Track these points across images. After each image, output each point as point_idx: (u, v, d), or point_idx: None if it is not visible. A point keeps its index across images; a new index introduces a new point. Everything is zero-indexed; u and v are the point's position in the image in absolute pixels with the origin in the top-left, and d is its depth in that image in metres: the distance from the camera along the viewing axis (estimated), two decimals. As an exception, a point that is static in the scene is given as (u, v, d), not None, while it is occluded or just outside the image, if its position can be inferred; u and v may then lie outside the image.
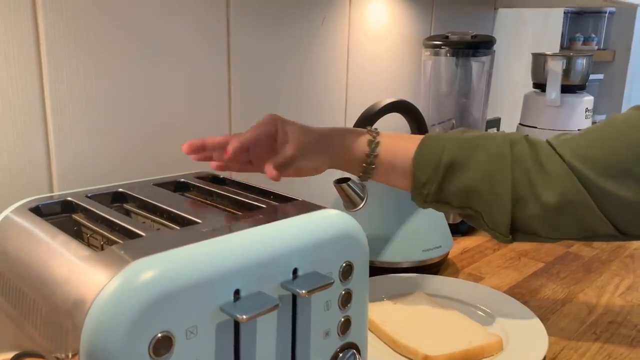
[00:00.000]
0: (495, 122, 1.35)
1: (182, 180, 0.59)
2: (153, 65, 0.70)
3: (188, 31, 0.73)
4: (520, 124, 1.16)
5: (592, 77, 2.04)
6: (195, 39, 0.74)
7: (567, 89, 1.08)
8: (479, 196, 0.60)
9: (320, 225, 0.46)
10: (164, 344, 0.36)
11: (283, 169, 0.58)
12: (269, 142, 0.61)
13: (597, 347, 0.65)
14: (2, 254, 0.45)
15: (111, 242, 0.45)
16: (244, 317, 0.37)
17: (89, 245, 0.46)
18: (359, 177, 0.66)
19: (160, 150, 0.73)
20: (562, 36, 1.99)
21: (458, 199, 0.61)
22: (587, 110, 1.08)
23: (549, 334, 0.66)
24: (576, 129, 1.07)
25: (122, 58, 0.67)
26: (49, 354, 0.38)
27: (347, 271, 0.47)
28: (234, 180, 0.60)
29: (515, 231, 0.61)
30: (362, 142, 0.64)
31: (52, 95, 0.62)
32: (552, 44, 1.52)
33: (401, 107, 0.86)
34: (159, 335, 0.35)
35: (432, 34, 1.07)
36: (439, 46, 0.97)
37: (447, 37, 0.98)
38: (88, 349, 0.35)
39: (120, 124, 0.69)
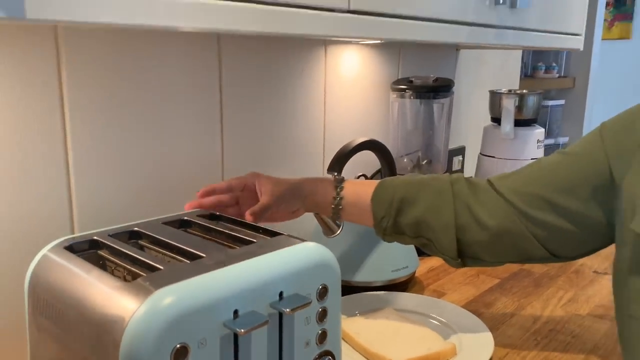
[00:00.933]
0: (460, 150, 1.48)
1: (186, 218, 0.70)
2: (158, 120, 0.82)
3: (187, 91, 0.85)
4: (480, 153, 1.29)
5: (554, 102, 2.20)
6: (193, 97, 0.86)
7: (520, 122, 1.21)
8: (427, 226, 0.72)
9: (300, 256, 0.58)
10: (181, 352, 0.47)
11: (259, 215, 0.70)
12: (253, 194, 0.74)
13: (536, 351, 0.77)
14: (46, 284, 0.55)
15: (133, 274, 0.56)
16: (242, 330, 0.49)
17: (113, 276, 0.57)
18: (329, 217, 0.78)
19: (164, 191, 0.84)
20: (525, 65, 2.15)
21: (411, 229, 0.73)
22: (538, 141, 1.22)
23: (497, 341, 0.78)
24: (529, 158, 1.21)
25: (134, 117, 0.79)
26: (93, 362, 0.49)
27: (322, 292, 0.59)
28: (229, 217, 0.72)
29: (464, 257, 0.73)
30: (329, 188, 0.76)
31: (74, 149, 0.73)
32: (512, 79, 1.66)
33: (371, 145, 0.98)
34: (178, 345, 0.47)
35: (399, 77, 1.20)
36: (404, 90, 1.11)
37: (411, 81, 1.11)
38: (125, 357, 0.46)
39: (130, 173, 0.80)
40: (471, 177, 0.76)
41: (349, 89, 1.13)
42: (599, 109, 2.25)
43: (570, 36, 1.13)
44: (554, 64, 2.14)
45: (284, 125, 1.02)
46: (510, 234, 0.71)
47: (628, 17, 3.42)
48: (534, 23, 0.99)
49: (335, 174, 0.79)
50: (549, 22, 1.04)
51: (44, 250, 0.60)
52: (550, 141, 2.14)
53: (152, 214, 0.76)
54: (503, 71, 1.61)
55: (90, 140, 0.75)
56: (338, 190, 0.75)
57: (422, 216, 0.72)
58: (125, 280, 0.54)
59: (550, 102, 2.13)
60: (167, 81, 0.82)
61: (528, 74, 2.14)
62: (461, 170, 1.51)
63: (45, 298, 0.55)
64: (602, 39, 3.36)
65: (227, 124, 0.92)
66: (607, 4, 3.43)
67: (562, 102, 2.20)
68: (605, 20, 3.47)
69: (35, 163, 0.70)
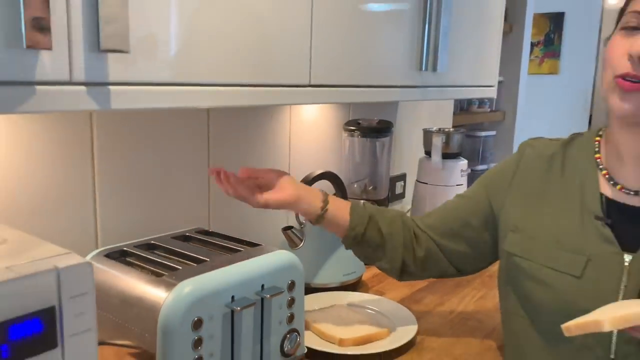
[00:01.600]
0: (402, 177, 1.76)
1: (187, 234, 0.93)
2: (161, 172, 1.04)
3: (182, 137, 1.08)
4: (417, 180, 1.56)
5: (486, 133, 2.52)
6: (185, 141, 1.09)
7: (447, 155, 1.49)
8: (389, 238, 0.94)
9: (276, 260, 0.82)
10: (198, 323, 0.70)
11: (273, 204, 0.88)
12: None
13: (450, 333, 1.03)
14: (97, 283, 0.77)
15: (156, 274, 0.78)
16: (238, 308, 0.72)
17: (145, 274, 0.79)
18: (312, 221, 0.95)
19: (165, 217, 1.07)
20: (461, 101, 2.46)
21: (376, 238, 0.93)
22: (462, 170, 1.49)
23: (421, 327, 1.03)
24: (455, 185, 1.48)
25: (146, 169, 1.01)
26: (139, 334, 0.72)
27: (291, 286, 0.83)
28: (219, 233, 0.95)
29: (402, 273, 0.97)
30: (318, 200, 0.93)
31: (99, 186, 0.95)
32: (446, 116, 1.96)
33: (327, 176, 1.23)
34: (195, 318, 0.70)
35: (350, 119, 1.46)
36: (353, 130, 1.37)
37: (359, 123, 1.38)
38: (162, 328, 0.68)
39: (140, 203, 1.02)
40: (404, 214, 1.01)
41: (309, 130, 1.38)
42: (531, 135, 2.59)
43: (485, 88, 1.42)
44: (486, 100, 2.47)
45: (259, 160, 1.26)
46: (433, 258, 0.96)
47: (556, 54, 3.84)
48: (453, 81, 1.27)
49: (321, 190, 0.98)
50: (466, 79, 1.32)
51: (87, 258, 0.81)
52: (484, 167, 2.45)
53: (158, 232, 0.98)
54: (438, 110, 1.91)
55: (114, 197, 0.97)
56: (324, 203, 0.94)
57: (386, 232, 0.94)
58: (155, 276, 0.76)
59: (483, 133, 2.45)
60: (171, 144, 1.05)
61: (464, 108, 2.45)
62: (403, 193, 1.78)
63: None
64: (533, 74, 3.77)
65: (213, 156, 1.15)
66: (538, 43, 3.85)
67: (493, 133, 2.53)
68: (536, 57, 3.89)
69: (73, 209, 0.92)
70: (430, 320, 1.08)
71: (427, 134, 1.52)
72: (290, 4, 0.81)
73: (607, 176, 0.81)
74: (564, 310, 0.76)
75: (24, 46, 0.51)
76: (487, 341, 1.01)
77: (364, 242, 0.95)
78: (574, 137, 0.90)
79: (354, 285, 1.21)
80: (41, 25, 0.52)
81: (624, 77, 0.73)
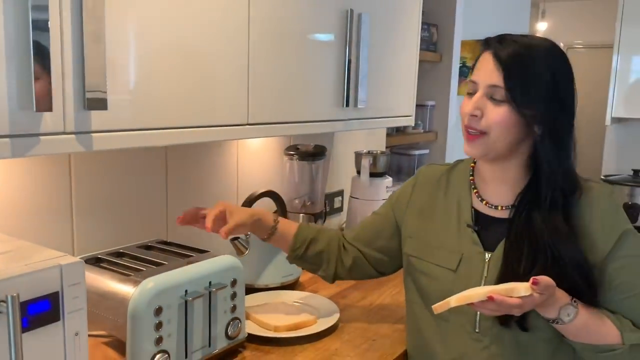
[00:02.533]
0: (339, 193, 2.01)
1: (149, 244, 1.15)
2: (123, 192, 1.26)
3: (145, 166, 1.29)
4: (350, 195, 1.81)
5: (420, 151, 2.80)
6: (148, 169, 1.30)
7: (374, 174, 1.75)
8: (324, 255, 1.18)
9: (221, 262, 1.04)
10: (159, 311, 0.92)
11: (229, 233, 1.07)
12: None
13: (366, 320, 1.27)
14: (75, 282, 0.98)
15: (125, 274, 0.99)
16: (190, 299, 0.95)
17: (116, 275, 1.00)
18: (263, 239, 1.18)
19: (132, 226, 1.28)
20: (397, 123, 2.73)
21: (314, 257, 1.18)
22: (387, 187, 1.75)
23: (343, 316, 1.27)
24: (381, 199, 1.74)
25: (113, 194, 1.22)
26: (113, 319, 0.93)
27: (233, 282, 1.05)
28: (175, 243, 1.17)
29: (334, 279, 1.21)
30: (269, 221, 1.16)
31: (75, 206, 1.16)
32: (380, 139, 2.23)
33: (269, 194, 1.47)
34: (157, 306, 0.91)
35: (291, 144, 1.70)
36: (292, 154, 1.61)
37: (298, 148, 1.62)
38: (131, 314, 0.90)
39: (110, 220, 1.23)
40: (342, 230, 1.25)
41: (255, 156, 1.61)
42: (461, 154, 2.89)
43: (402, 117, 1.68)
44: (419, 122, 2.77)
45: (210, 184, 1.48)
46: (358, 263, 1.20)
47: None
48: (373, 113, 1.53)
49: (276, 210, 1.21)
50: (384, 111, 1.58)
51: (69, 264, 1.02)
52: (419, 181, 2.73)
53: (125, 243, 1.19)
54: (373, 134, 2.17)
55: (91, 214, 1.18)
56: (275, 222, 1.16)
57: (321, 250, 1.18)
58: (124, 276, 0.97)
59: (417, 152, 2.74)
60: (136, 171, 1.27)
61: (400, 129, 2.73)
62: (341, 207, 2.03)
63: (75, 289, 0.98)
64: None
65: (171, 189, 1.37)
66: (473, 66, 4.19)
67: (427, 151, 2.82)
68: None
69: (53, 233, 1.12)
70: (352, 311, 1.32)
71: (358, 156, 1.78)
72: (229, 53, 1.05)
73: (477, 194, 1.08)
74: (445, 297, 1.01)
75: (34, 110, 0.73)
76: (395, 325, 1.26)
77: (303, 260, 1.19)
78: (457, 163, 1.17)
79: (292, 285, 1.45)
80: (46, 96, 0.74)
81: (467, 128, 0.99)
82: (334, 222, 2.01)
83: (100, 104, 0.81)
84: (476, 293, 0.86)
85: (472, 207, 1.07)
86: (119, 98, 0.85)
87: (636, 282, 0.94)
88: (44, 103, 0.74)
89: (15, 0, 0.71)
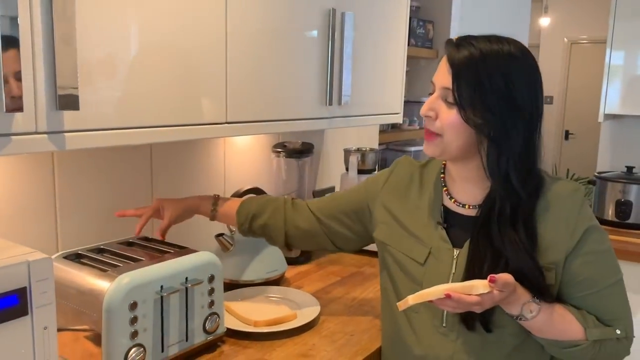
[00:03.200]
0: (330, 189, 2.02)
1: (131, 240, 1.17)
2: (109, 188, 1.28)
3: (130, 163, 1.31)
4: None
5: (417, 148, 2.81)
6: (133, 167, 1.32)
7: (363, 171, 1.76)
8: (269, 228, 1.21)
9: (198, 259, 1.06)
10: (133, 305, 0.94)
11: (164, 233, 1.18)
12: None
13: (348, 315, 1.29)
14: (58, 279, 1.00)
15: (103, 270, 1.01)
16: (165, 294, 0.97)
17: (95, 270, 1.02)
18: (212, 219, 1.25)
19: (117, 223, 1.30)
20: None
21: (259, 230, 1.22)
22: (375, 184, 1.77)
23: (325, 311, 1.29)
24: (369, 196, 1.75)
25: (98, 191, 1.24)
26: (89, 314, 0.95)
27: (211, 278, 1.07)
28: (156, 239, 1.19)
29: (289, 244, 1.24)
30: (208, 204, 1.23)
31: (59, 204, 1.18)
32: (372, 136, 2.24)
33: (254, 191, 1.48)
34: (132, 301, 0.93)
35: (279, 142, 1.72)
36: (279, 152, 1.63)
37: (285, 145, 1.64)
38: (106, 308, 0.92)
39: (94, 217, 1.25)
40: (297, 199, 1.28)
41: (243, 153, 1.63)
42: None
43: (389, 115, 1.69)
44: (415, 119, 2.77)
45: (197, 181, 1.50)
46: (313, 234, 1.22)
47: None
48: (358, 111, 1.54)
49: (217, 194, 1.27)
50: (370, 109, 1.59)
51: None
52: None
53: (108, 239, 1.22)
54: (365, 130, 2.18)
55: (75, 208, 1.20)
56: (214, 206, 1.24)
57: (265, 223, 1.22)
58: (102, 271, 1.00)
59: (412, 148, 2.74)
60: (120, 169, 1.29)
61: (395, 126, 2.74)
62: (332, 204, 2.05)
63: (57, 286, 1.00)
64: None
65: (156, 187, 1.39)
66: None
67: (421, 148, 2.82)
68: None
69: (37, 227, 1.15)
70: (333, 307, 1.34)
71: (346, 153, 1.79)
72: (206, 51, 1.06)
73: (446, 192, 1.09)
74: (414, 289, 1.02)
75: (4, 110, 0.75)
76: (375, 320, 1.28)
77: (251, 232, 1.26)
78: (430, 159, 1.18)
79: (277, 281, 1.46)
80: (16, 97, 0.76)
81: (424, 129, 1.01)
82: (325, 218, 2.02)
83: (72, 104, 0.83)
84: (434, 291, 0.88)
85: (442, 204, 1.08)
86: (91, 97, 0.87)
87: (599, 278, 0.95)
88: (14, 104, 0.76)
89: (-16, 4, 0.73)
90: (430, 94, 1.00)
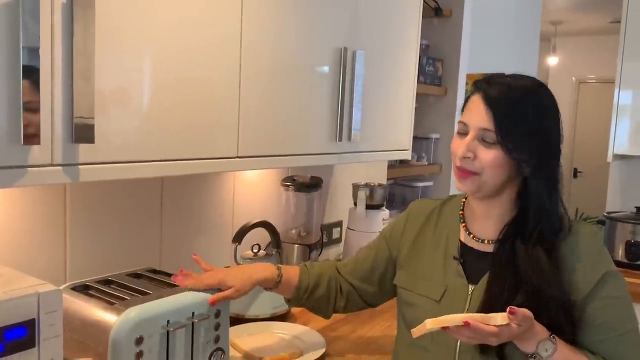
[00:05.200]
0: (338, 224, 2.02)
1: (139, 272, 1.17)
2: (119, 223, 1.29)
3: (140, 196, 1.32)
4: (347, 227, 1.82)
5: (425, 183, 2.82)
6: (142, 200, 1.33)
7: (371, 207, 1.76)
8: (324, 298, 1.19)
9: (206, 293, 1.06)
10: (139, 340, 0.93)
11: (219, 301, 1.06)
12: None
13: (354, 353, 1.27)
14: (64, 310, 1.00)
15: (110, 302, 1.01)
16: (172, 329, 0.96)
17: (102, 302, 1.02)
18: (269, 290, 1.17)
19: (125, 254, 1.30)
20: (401, 155, 2.75)
21: (316, 301, 1.18)
22: (383, 219, 1.76)
23: (331, 349, 1.27)
24: (376, 231, 1.74)
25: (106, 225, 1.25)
26: (95, 347, 0.94)
27: (217, 313, 1.06)
28: (164, 272, 1.19)
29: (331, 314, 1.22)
30: (274, 277, 1.15)
31: (69, 235, 1.19)
32: (381, 171, 2.25)
33: (263, 224, 1.49)
34: (138, 336, 0.93)
35: (288, 175, 1.72)
36: (288, 185, 1.63)
37: (294, 179, 1.65)
38: (112, 342, 0.91)
39: (103, 249, 1.26)
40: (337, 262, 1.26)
41: (252, 186, 1.64)
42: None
43: (399, 151, 1.70)
44: (423, 154, 2.78)
45: (206, 212, 1.51)
46: (351, 300, 1.21)
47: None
48: (368, 147, 1.55)
49: (278, 265, 1.18)
50: (379, 145, 1.60)
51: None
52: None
53: (116, 270, 1.22)
54: (374, 165, 2.19)
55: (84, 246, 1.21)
56: (278, 280, 1.14)
57: (323, 294, 1.18)
58: (109, 304, 0.99)
59: (420, 184, 2.74)
60: (130, 201, 1.30)
61: (405, 161, 2.75)
62: (340, 238, 2.04)
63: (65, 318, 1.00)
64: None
65: (165, 218, 1.40)
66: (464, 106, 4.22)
67: (431, 183, 2.83)
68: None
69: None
70: (340, 344, 1.32)
71: (355, 188, 1.80)
72: (219, 87, 1.08)
73: (465, 227, 1.09)
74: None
75: (22, 143, 0.76)
76: (382, 359, 1.26)
77: (304, 304, 1.20)
78: (451, 197, 1.18)
79: (283, 316, 1.45)
80: (33, 129, 0.77)
81: (458, 167, 1.01)
82: (332, 252, 2.02)
83: (88, 137, 0.84)
84: (453, 318, 0.87)
85: (459, 239, 1.08)
86: (106, 131, 0.89)
87: (616, 324, 0.94)
88: (32, 137, 0.77)
89: (7, 37, 0.75)
90: (461, 133, 1.01)
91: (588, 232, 1.01)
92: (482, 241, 1.06)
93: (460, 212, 1.12)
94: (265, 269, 1.15)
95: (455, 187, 1.18)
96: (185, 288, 1.05)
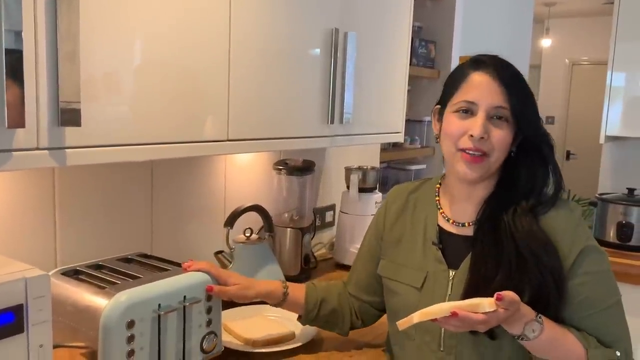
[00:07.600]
0: (331, 207, 2.02)
1: (130, 257, 1.16)
2: (109, 207, 1.28)
3: (130, 180, 1.31)
4: (340, 210, 1.82)
5: (418, 166, 2.81)
6: (132, 184, 1.32)
7: (364, 190, 1.76)
8: (337, 312, 1.18)
9: (197, 277, 1.05)
10: (131, 324, 0.93)
11: (218, 295, 1.06)
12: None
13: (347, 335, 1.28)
14: (55, 295, 0.99)
15: (101, 287, 1.01)
16: (163, 313, 0.96)
17: (93, 287, 1.02)
18: (274, 305, 1.16)
19: (115, 239, 1.30)
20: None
21: (326, 315, 1.17)
22: (376, 202, 1.76)
23: (324, 331, 1.27)
24: (369, 214, 1.74)
25: (97, 207, 1.24)
26: (86, 332, 0.94)
27: (209, 297, 1.06)
28: (155, 256, 1.18)
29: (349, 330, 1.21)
30: (279, 292, 1.14)
31: (59, 220, 1.18)
32: (373, 154, 2.24)
33: (255, 208, 1.48)
34: (129, 320, 0.93)
35: (280, 159, 1.71)
36: (280, 169, 1.62)
37: (286, 163, 1.64)
38: (102, 326, 0.91)
39: (94, 233, 1.25)
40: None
41: (244, 170, 1.63)
42: (458, 170, 2.88)
43: (391, 134, 1.70)
44: (416, 137, 2.78)
45: (197, 199, 1.50)
46: (365, 314, 1.20)
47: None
48: (360, 130, 1.54)
49: (283, 281, 1.17)
50: (371, 128, 1.60)
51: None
52: (415, 196, 2.73)
53: (106, 255, 1.21)
54: (366, 148, 2.19)
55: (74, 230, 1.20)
56: (285, 291, 1.14)
57: (334, 308, 1.17)
58: (99, 288, 0.99)
59: (414, 167, 2.74)
60: (120, 185, 1.29)
61: (397, 144, 2.74)
62: (333, 222, 2.04)
63: (56, 303, 1.00)
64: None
65: (156, 202, 1.39)
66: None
67: (424, 166, 2.82)
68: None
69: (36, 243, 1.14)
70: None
71: (347, 171, 1.79)
72: (209, 70, 1.07)
73: (442, 214, 1.08)
74: (409, 314, 1.01)
75: (6, 126, 0.75)
76: (374, 341, 1.26)
77: (317, 321, 1.18)
78: (425, 181, 1.17)
79: (276, 300, 1.45)
80: (18, 113, 0.76)
81: (465, 150, 0.98)
82: (325, 236, 2.02)
83: (74, 120, 0.83)
84: (440, 309, 0.87)
85: (438, 225, 1.08)
86: (93, 114, 0.87)
87: (598, 299, 0.95)
88: (16, 120, 0.76)
89: (-10, 21, 0.73)
90: (464, 112, 0.98)
91: (564, 207, 1.01)
92: (462, 224, 1.05)
93: (436, 198, 1.11)
94: (271, 283, 1.16)
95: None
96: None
